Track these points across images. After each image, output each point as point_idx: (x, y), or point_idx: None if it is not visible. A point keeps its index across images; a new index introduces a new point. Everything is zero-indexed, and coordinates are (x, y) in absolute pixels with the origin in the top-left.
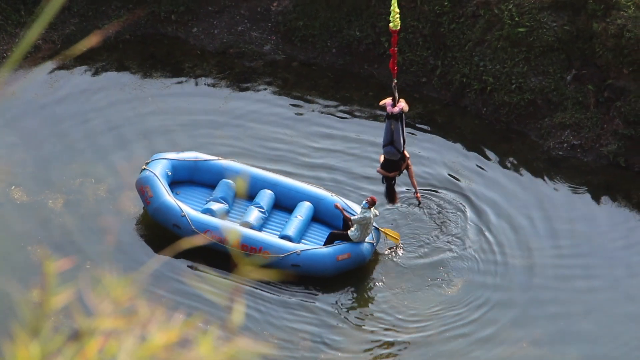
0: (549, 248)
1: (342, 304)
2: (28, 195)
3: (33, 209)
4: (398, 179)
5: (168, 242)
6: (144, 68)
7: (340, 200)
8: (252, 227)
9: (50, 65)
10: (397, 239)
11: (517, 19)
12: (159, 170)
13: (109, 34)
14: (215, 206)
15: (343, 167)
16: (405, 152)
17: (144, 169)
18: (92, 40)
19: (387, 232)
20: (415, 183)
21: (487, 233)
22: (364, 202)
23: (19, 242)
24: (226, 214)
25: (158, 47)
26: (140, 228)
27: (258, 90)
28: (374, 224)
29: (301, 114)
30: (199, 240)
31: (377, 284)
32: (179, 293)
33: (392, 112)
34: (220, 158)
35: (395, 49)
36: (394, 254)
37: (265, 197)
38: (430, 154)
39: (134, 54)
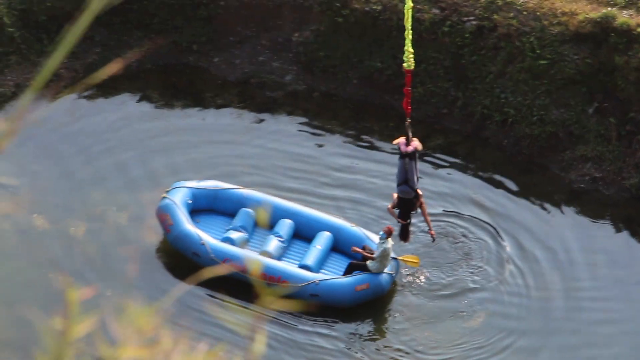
0: (570, 280)
1: (361, 335)
2: (50, 222)
3: (55, 237)
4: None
5: (190, 270)
6: (165, 97)
7: (359, 232)
8: (271, 257)
9: (72, 94)
10: (416, 262)
11: (538, 51)
12: (179, 198)
13: (131, 61)
14: (235, 235)
15: (363, 198)
16: (419, 190)
17: (164, 197)
18: (113, 68)
19: (406, 259)
20: (429, 220)
21: (508, 265)
22: (381, 232)
23: (41, 270)
24: (246, 243)
25: (179, 76)
26: (162, 256)
27: (279, 121)
28: (392, 254)
29: (322, 145)
30: (220, 270)
31: (396, 314)
32: (202, 322)
33: (406, 152)
34: (240, 187)
35: (409, 88)
36: (414, 284)
37: (285, 226)
38: (451, 185)
39: (155, 84)
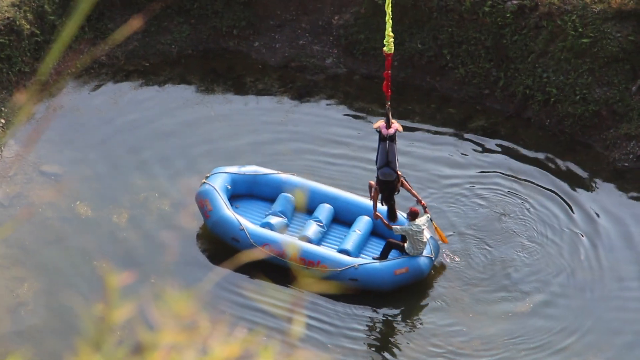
0: (614, 260)
1: (403, 318)
2: (93, 210)
3: (98, 224)
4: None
5: (229, 255)
6: (205, 83)
7: (399, 215)
8: (310, 241)
9: (112, 80)
10: (444, 240)
11: (580, 29)
12: (218, 184)
13: (171, 47)
14: (274, 220)
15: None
16: (399, 172)
17: (204, 182)
18: (133, 25)
19: (438, 231)
20: (416, 193)
21: (551, 245)
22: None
23: (85, 258)
24: (285, 228)
25: (220, 61)
26: (202, 242)
27: (320, 104)
28: (426, 236)
29: (362, 128)
30: (258, 254)
31: (439, 299)
32: (240, 307)
33: (387, 134)
34: (279, 172)
35: (389, 72)
36: (456, 264)
37: (324, 211)
38: (494, 166)
39: (195, 69)
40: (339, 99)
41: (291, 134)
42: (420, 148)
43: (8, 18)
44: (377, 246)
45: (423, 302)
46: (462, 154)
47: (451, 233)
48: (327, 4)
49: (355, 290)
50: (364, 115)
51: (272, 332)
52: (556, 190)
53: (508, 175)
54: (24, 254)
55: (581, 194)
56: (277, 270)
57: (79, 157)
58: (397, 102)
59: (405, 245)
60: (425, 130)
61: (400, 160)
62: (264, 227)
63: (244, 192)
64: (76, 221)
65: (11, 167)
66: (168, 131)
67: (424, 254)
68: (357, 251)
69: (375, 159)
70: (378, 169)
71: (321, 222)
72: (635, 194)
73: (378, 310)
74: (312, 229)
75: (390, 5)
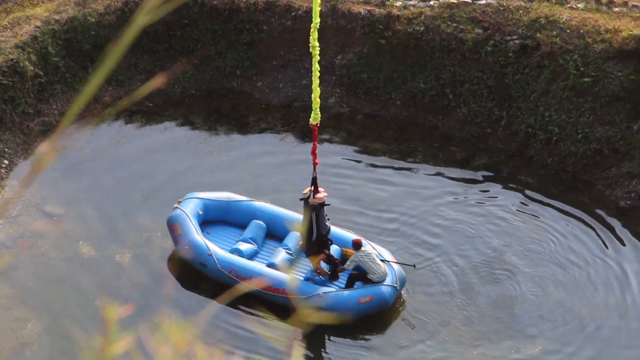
0: (613, 297)
1: (400, 355)
2: (96, 250)
3: (101, 264)
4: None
5: (226, 288)
6: (209, 122)
7: (365, 243)
8: (277, 269)
9: (117, 121)
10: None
11: (582, 69)
12: (190, 209)
13: (175, 88)
14: (244, 246)
15: (401, 219)
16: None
17: (176, 207)
18: (157, 82)
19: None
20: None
21: (552, 285)
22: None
23: (88, 297)
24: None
25: (223, 101)
26: (202, 276)
27: (323, 143)
28: (381, 259)
29: (366, 165)
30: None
31: (439, 334)
32: (236, 337)
33: (314, 203)
34: (252, 199)
35: (316, 143)
36: (460, 300)
37: (294, 239)
38: (495, 204)
39: (199, 109)
40: (341, 138)
41: (293, 171)
42: (423, 187)
43: (12, 60)
44: (346, 275)
45: (421, 338)
46: (464, 192)
47: (455, 265)
48: (330, 44)
49: (353, 320)
50: (366, 154)
51: (270, 356)
52: (558, 229)
53: (511, 214)
54: (27, 295)
55: (584, 233)
56: (272, 301)
57: (82, 197)
58: (399, 141)
59: (367, 275)
60: (427, 168)
61: (403, 198)
62: (232, 253)
63: (217, 218)
64: (79, 261)
65: (14, 208)
66: (171, 170)
67: (388, 283)
68: (324, 280)
69: (311, 231)
70: (316, 237)
71: (290, 250)
72: (637, 232)
73: (374, 345)
74: (281, 256)
75: (317, 58)
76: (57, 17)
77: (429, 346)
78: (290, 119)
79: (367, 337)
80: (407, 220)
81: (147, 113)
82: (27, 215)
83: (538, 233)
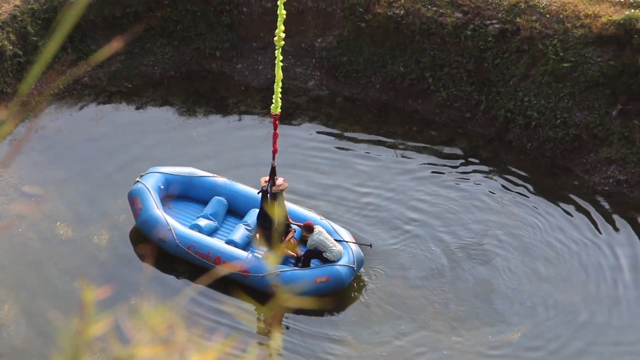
0: (591, 283)
1: (380, 340)
2: (73, 231)
3: (78, 245)
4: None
5: (205, 270)
6: (188, 104)
7: (327, 225)
8: (236, 246)
9: (95, 101)
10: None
11: (561, 54)
12: (151, 183)
13: (154, 69)
14: (204, 222)
15: (372, 201)
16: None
17: (137, 181)
18: (114, 47)
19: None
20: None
21: (530, 270)
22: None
23: (65, 278)
24: (214, 231)
25: (202, 83)
26: (179, 259)
27: (302, 126)
28: (338, 239)
29: (344, 149)
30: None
31: (425, 319)
32: (216, 314)
33: (271, 191)
34: (215, 175)
35: (277, 132)
36: (442, 285)
37: (254, 215)
38: (474, 188)
39: (178, 90)
40: (321, 121)
41: (267, 154)
42: (402, 171)
43: None
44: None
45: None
46: (443, 176)
47: (434, 249)
48: (310, 26)
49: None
50: (344, 137)
51: (250, 339)
52: (537, 214)
53: (490, 198)
54: (4, 275)
55: (561, 218)
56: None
57: (60, 178)
58: (379, 125)
59: (324, 254)
60: (406, 152)
61: (383, 182)
62: (192, 229)
63: (180, 193)
64: (56, 242)
65: None
66: (150, 153)
67: (345, 263)
68: (283, 259)
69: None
70: (269, 226)
71: (250, 227)
72: (616, 217)
73: (360, 332)
74: (240, 233)
75: (279, 72)
76: None
77: (405, 332)
78: (269, 102)
79: (340, 318)
80: (383, 202)
81: (126, 94)
82: (5, 196)
83: (516, 218)
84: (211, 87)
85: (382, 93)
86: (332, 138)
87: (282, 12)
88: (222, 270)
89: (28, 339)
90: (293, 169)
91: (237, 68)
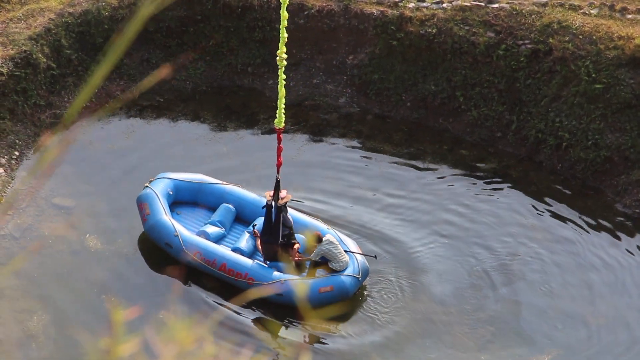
0: (622, 306)
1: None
2: (103, 244)
3: (107, 258)
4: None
5: (230, 286)
6: (218, 119)
7: (332, 233)
8: (242, 253)
9: (127, 115)
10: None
11: (594, 75)
12: (160, 188)
13: (186, 83)
14: (211, 229)
15: (395, 223)
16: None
17: (146, 186)
18: (162, 72)
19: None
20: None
21: (558, 288)
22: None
23: (93, 290)
24: (221, 238)
25: (234, 98)
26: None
27: (332, 143)
28: (345, 249)
29: (374, 166)
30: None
31: (446, 336)
32: (245, 328)
33: (276, 205)
34: (224, 182)
35: (281, 145)
36: (469, 306)
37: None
38: (504, 207)
39: (209, 105)
40: (351, 138)
41: (303, 170)
42: (432, 189)
43: (25, 51)
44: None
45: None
46: (472, 195)
47: (462, 267)
48: (342, 44)
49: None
50: (375, 154)
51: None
52: (566, 235)
53: (520, 218)
54: (34, 286)
55: (592, 239)
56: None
57: (91, 191)
58: (409, 143)
59: (330, 264)
60: (436, 171)
61: (411, 199)
62: (199, 235)
63: (189, 200)
64: (85, 254)
65: (24, 199)
66: (180, 166)
67: (350, 274)
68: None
69: (266, 230)
70: (282, 236)
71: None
72: None
73: (384, 352)
74: (246, 241)
75: (282, 77)
76: (71, 10)
77: (431, 349)
78: (300, 118)
79: (364, 339)
80: (411, 219)
81: (157, 108)
82: (36, 207)
83: (546, 238)
84: (242, 102)
85: (413, 111)
86: (361, 155)
87: (284, 35)
88: (257, 293)
89: (56, 350)
90: (322, 184)
91: (269, 84)
